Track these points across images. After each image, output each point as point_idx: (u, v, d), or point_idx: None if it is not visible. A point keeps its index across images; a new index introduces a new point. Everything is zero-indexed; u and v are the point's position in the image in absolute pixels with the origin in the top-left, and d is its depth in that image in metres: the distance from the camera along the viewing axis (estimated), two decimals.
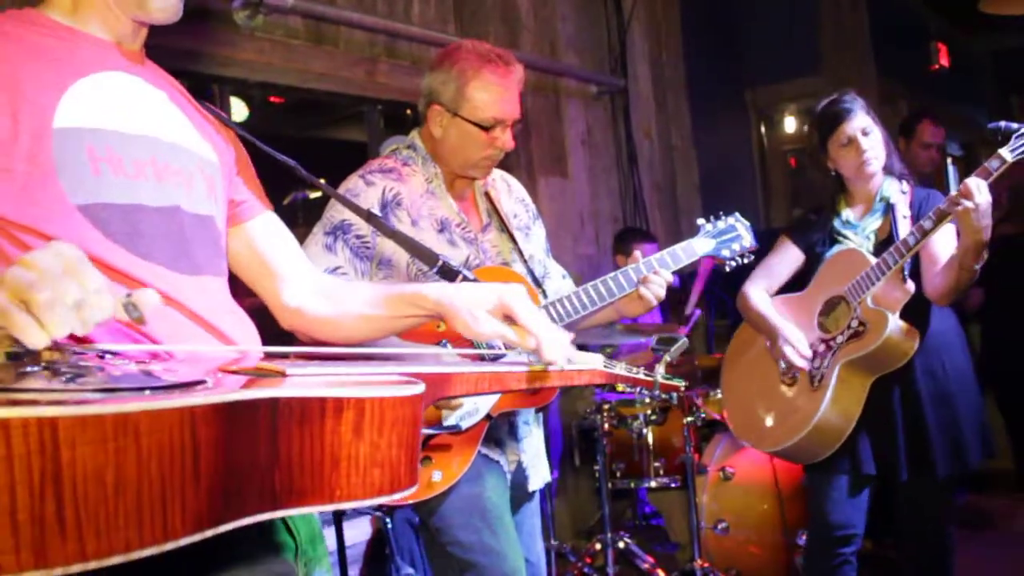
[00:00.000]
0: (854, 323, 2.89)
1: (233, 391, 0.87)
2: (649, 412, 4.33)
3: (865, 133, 2.99)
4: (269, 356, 1.31)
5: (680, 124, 6.53)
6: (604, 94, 5.94)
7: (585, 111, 5.80)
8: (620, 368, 1.57)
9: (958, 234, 2.75)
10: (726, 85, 7.33)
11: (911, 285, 2.88)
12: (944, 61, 8.04)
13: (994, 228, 2.69)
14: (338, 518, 3.37)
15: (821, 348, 2.98)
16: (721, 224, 2.72)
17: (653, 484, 4.37)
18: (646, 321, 4.86)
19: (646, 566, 4.31)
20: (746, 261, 2.78)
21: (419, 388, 1.03)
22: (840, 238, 3.06)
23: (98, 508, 0.74)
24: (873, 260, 2.87)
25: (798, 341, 3.01)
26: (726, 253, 2.70)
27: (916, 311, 2.91)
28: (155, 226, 1.39)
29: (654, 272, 2.51)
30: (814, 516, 3.18)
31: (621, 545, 4.33)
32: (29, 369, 0.90)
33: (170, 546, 0.79)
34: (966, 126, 8.75)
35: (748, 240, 2.72)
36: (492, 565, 2.39)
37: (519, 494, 2.60)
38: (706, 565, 4.08)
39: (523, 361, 1.45)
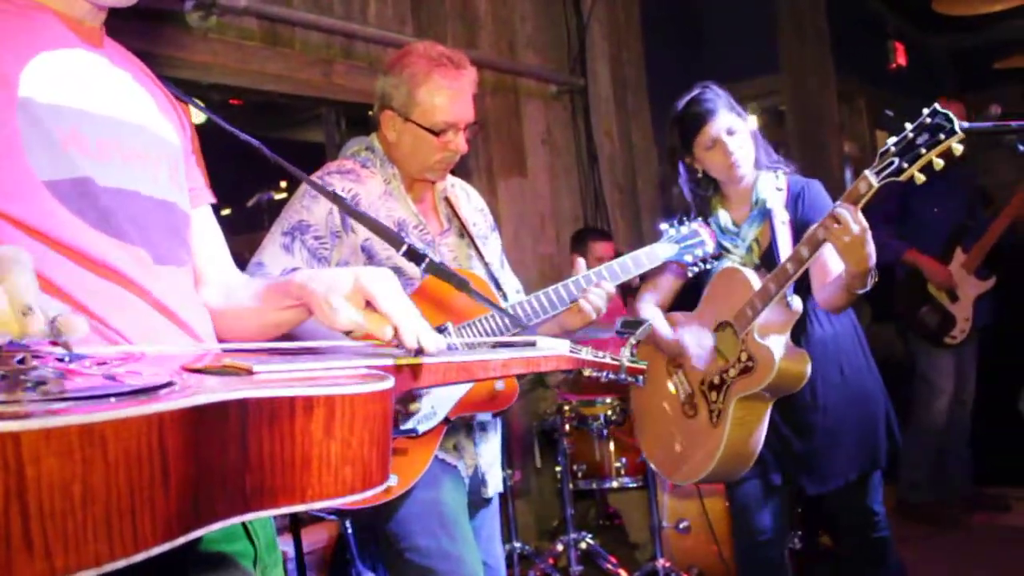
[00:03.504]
0: (743, 356, 2.77)
1: (201, 394, 0.86)
2: (610, 413, 4.34)
3: (731, 132, 2.87)
4: (232, 352, 1.28)
5: (641, 123, 6.54)
6: (564, 93, 5.95)
7: (545, 111, 5.80)
8: (586, 353, 1.55)
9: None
10: (686, 83, 7.33)
11: (797, 304, 2.76)
12: (902, 59, 8.12)
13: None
14: (295, 524, 3.34)
15: (716, 380, 2.86)
16: (684, 229, 2.71)
17: (615, 484, 4.38)
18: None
19: (609, 566, 4.32)
20: (708, 267, 2.78)
21: (389, 383, 1.02)
22: (723, 251, 2.94)
23: (66, 522, 0.72)
24: (755, 282, 2.75)
25: (701, 339, 2.91)
26: (688, 259, 2.69)
27: (807, 320, 2.86)
28: (121, 207, 1.34)
29: (595, 284, 2.47)
30: (735, 521, 3.17)
31: (584, 546, 4.33)
32: None
33: (141, 556, 0.77)
34: None
35: (711, 246, 2.71)
36: (450, 571, 2.37)
37: (476, 499, 2.58)
38: (668, 564, 4.09)
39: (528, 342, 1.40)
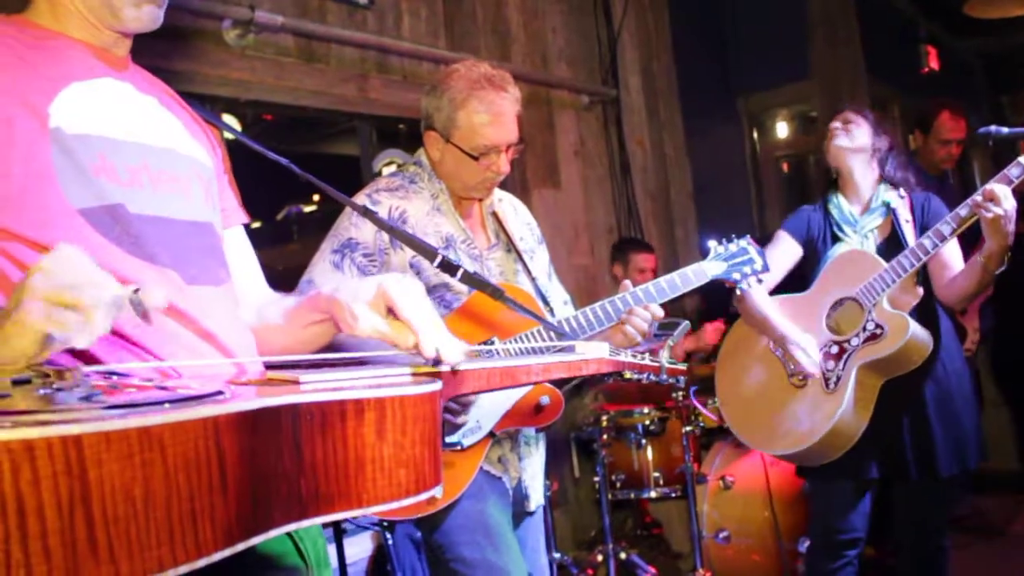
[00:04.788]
0: (870, 325, 2.90)
1: (253, 399, 0.86)
2: (648, 423, 4.33)
3: (846, 121, 3.13)
4: (272, 367, 1.28)
5: (672, 132, 6.53)
6: (596, 104, 5.95)
7: (577, 122, 5.80)
8: (626, 355, 1.55)
9: (964, 239, 2.82)
10: (718, 92, 7.34)
11: (920, 289, 2.93)
12: (934, 63, 8.04)
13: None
14: (338, 534, 3.36)
15: (834, 350, 2.98)
16: (733, 247, 2.69)
17: (653, 494, 4.36)
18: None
19: None
20: (760, 282, 2.76)
21: (437, 384, 1.02)
22: (841, 235, 3.10)
23: (129, 527, 0.72)
24: (883, 262, 2.89)
25: (809, 347, 3.02)
26: (737, 276, 2.66)
27: (921, 315, 2.95)
28: (153, 234, 1.36)
29: (643, 306, 2.43)
30: (817, 520, 3.21)
31: (623, 556, 4.32)
32: (42, 392, 0.88)
33: (203, 562, 0.77)
34: None
35: (759, 263, 2.69)
36: None
37: (520, 511, 2.59)
38: (708, 575, 4.07)
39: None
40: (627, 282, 2.52)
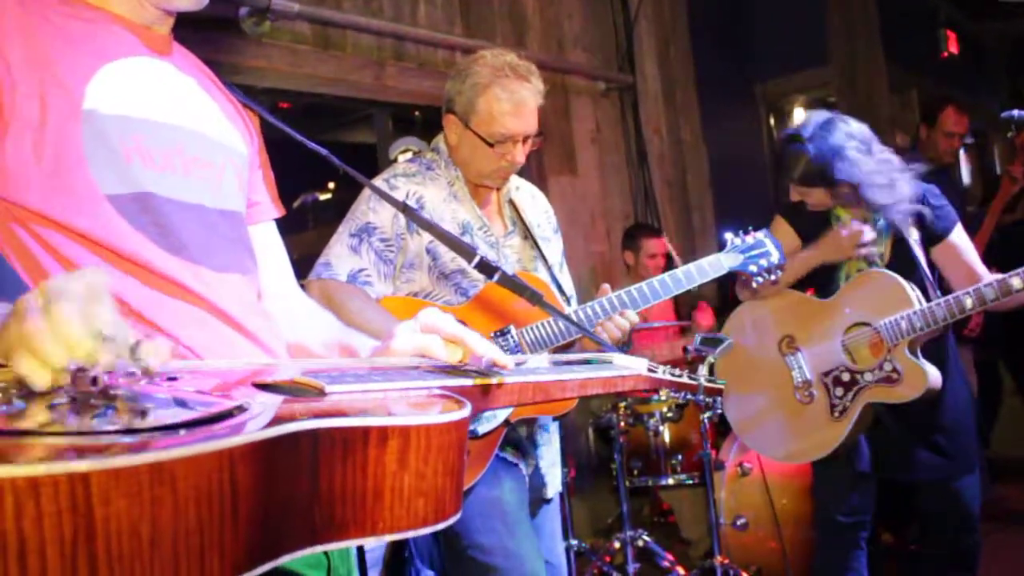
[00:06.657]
0: (887, 366, 2.80)
1: (273, 423, 0.82)
2: (665, 409, 4.33)
3: (802, 195, 2.98)
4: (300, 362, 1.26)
5: (689, 119, 6.51)
6: (612, 91, 5.93)
7: (594, 109, 5.79)
8: (663, 372, 1.52)
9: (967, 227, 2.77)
10: (735, 78, 7.30)
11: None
12: (954, 48, 7.97)
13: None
14: None
15: (845, 377, 2.89)
16: (749, 239, 2.67)
17: (671, 481, 4.36)
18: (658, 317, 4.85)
19: (666, 563, 4.30)
20: (773, 278, 2.73)
21: (466, 411, 0.98)
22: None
23: (134, 564, 0.68)
24: (913, 300, 2.78)
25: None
26: (753, 268, 2.64)
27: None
28: (183, 221, 1.34)
29: (620, 314, 2.41)
30: (821, 504, 3.20)
31: (640, 543, 4.32)
32: (56, 403, 0.84)
33: None
34: (977, 113, 8.67)
35: (776, 256, 2.66)
36: (512, 568, 2.38)
37: (537, 498, 2.59)
38: (726, 562, 4.06)
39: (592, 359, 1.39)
40: (606, 286, 2.50)
